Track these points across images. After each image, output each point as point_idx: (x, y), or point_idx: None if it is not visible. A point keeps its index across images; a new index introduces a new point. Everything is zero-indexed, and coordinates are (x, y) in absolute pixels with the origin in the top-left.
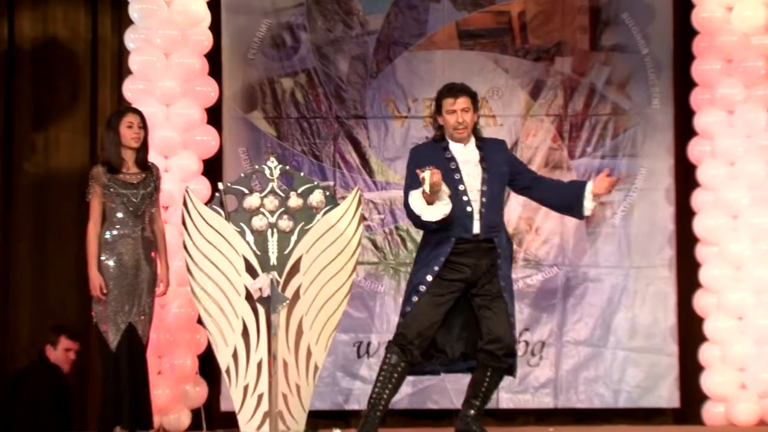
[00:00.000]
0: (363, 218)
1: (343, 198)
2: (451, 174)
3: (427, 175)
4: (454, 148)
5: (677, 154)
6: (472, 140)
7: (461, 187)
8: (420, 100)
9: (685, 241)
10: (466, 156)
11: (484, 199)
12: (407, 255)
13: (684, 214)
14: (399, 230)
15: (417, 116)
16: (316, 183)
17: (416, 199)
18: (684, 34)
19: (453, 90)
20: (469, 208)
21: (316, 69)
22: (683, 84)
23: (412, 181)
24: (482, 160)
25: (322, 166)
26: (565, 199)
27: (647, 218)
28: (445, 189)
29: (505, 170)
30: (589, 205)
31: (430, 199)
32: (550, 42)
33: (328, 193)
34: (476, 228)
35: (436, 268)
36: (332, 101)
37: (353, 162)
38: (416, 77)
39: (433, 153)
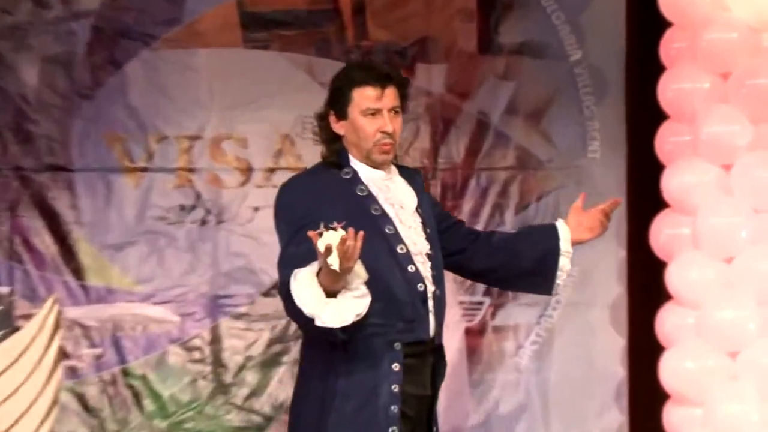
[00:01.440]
0: (63, 355)
1: (29, 317)
2: (376, 226)
3: (334, 238)
4: (371, 178)
5: (633, 241)
6: (393, 168)
7: (401, 249)
8: (171, 139)
9: (645, 398)
10: (397, 193)
11: (434, 272)
12: (143, 421)
13: (643, 351)
14: (129, 376)
15: (166, 168)
16: None
17: (306, 286)
18: (644, 28)
19: (374, 72)
20: (420, 287)
21: None
22: (643, 115)
23: (295, 249)
24: (419, 204)
25: None
26: (528, 263)
27: (579, 356)
28: (359, 270)
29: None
30: (565, 264)
31: (334, 284)
32: (407, 36)
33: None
34: (431, 324)
35: (395, 409)
36: (8, 140)
37: (46, 251)
38: (165, 97)
39: (329, 187)
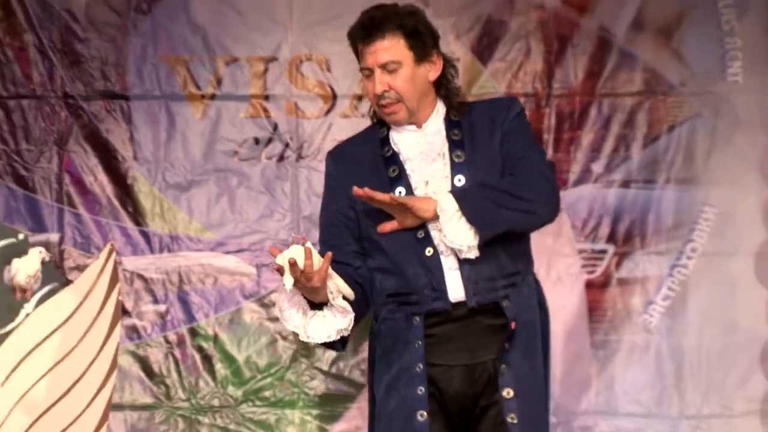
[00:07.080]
0: (122, 312)
1: (82, 268)
2: (390, 188)
3: (298, 253)
4: (402, 133)
5: None
6: (438, 114)
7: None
8: (242, 61)
9: None
10: (420, 147)
11: None
12: (215, 389)
13: None
14: (198, 337)
15: (236, 95)
16: (21, 237)
17: (284, 299)
18: None
19: (358, 23)
20: (429, 251)
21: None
22: None
23: (322, 229)
24: (455, 146)
25: (34, 199)
26: None
27: (719, 315)
28: (339, 285)
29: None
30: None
31: (311, 297)
32: None
33: (48, 259)
34: (456, 288)
35: (421, 391)
36: (55, 66)
37: (101, 192)
38: (234, 12)
39: (364, 154)
